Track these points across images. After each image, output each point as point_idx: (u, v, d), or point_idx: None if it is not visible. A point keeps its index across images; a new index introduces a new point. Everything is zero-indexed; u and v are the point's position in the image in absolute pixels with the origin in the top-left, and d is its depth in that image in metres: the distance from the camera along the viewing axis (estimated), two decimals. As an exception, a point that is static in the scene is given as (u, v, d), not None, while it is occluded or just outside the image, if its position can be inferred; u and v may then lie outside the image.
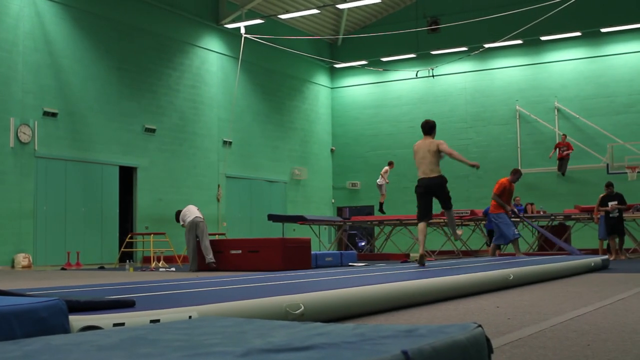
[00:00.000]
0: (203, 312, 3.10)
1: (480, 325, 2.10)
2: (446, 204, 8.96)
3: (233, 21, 21.32)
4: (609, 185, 14.23)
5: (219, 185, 21.15)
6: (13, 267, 15.24)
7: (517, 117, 23.38)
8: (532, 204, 18.84)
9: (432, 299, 5.21)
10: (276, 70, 23.86)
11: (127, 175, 18.40)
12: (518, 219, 14.41)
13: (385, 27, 24.30)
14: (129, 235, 16.02)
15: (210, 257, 11.90)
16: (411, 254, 17.36)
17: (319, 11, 22.39)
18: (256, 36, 20.25)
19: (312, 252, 12.51)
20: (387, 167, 19.26)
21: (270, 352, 1.73)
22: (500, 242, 12.95)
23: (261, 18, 21.59)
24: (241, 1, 21.54)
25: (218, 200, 21.06)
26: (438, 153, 8.62)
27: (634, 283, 7.04)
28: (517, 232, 12.73)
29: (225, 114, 21.33)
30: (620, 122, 21.99)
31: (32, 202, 15.94)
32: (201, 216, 12.34)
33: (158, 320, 2.84)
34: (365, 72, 25.49)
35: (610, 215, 13.90)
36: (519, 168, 22.48)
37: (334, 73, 26.66)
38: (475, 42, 23.11)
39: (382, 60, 24.99)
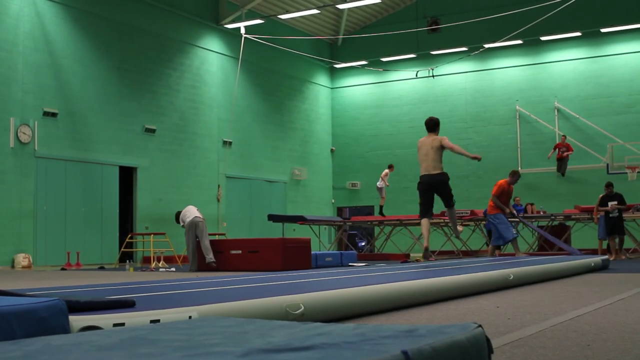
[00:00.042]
0: (203, 312, 3.10)
1: (480, 325, 2.10)
2: (448, 201, 8.95)
3: (233, 21, 21.32)
4: (609, 185, 14.24)
5: (219, 185, 21.15)
6: (13, 267, 15.25)
7: (517, 117, 23.38)
8: (532, 204, 18.85)
9: (432, 299, 5.21)
10: (276, 70, 23.86)
11: (127, 175, 18.40)
12: (517, 220, 14.42)
13: (385, 27, 24.31)
14: (129, 236, 16.02)
15: (210, 256, 11.89)
16: (411, 254, 17.37)
17: (319, 11, 22.40)
18: (256, 36, 20.25)
19: (312, 252, 12.51)
20: (387, 170, 19.27)
21: (271, 352, 1.73)
22: (498, 243, 12.96)
23: (261, 18, 21.59)
24: (241, 1, 21.55)
25: (218, 200, 21.07)
26: (441, 149, 8.63)
27: (634, 283, 7.04)
28: (515, 232, 12.74)
29: (225, 114, 21.33)
30: (620, 122, 21.99)
31: (32, 202, 15.94)
32: (200, 216, 12.33)
33: (158, 321, 2.84)
34: (365, 72, 25.49)
35: (610, 215, 13.90)
36: (518, 169, 22.60)
37: (334, 73, 26.66)
38: (475, 42, 23.11)
39: (382, 60, 25.00)
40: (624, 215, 14.42)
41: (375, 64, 24.86)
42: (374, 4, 23.52)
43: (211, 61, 21.30)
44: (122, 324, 2.73)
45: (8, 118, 15.60)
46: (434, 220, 14.95)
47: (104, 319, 2.73)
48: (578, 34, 22.38)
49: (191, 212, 12.38)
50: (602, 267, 9.97)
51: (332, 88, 26.69)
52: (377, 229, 20.37)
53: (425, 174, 8.73)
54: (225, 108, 21.37)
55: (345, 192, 26.18)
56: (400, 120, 25.15)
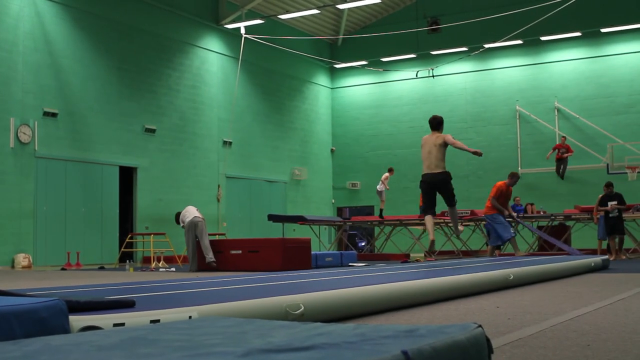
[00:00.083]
0: (203, 312, 3.10)
1: (480, 326, 2.10)
2: (450, 200, 8.94)
3: (233, 21, 21.32)
4: (609, 185, 14.24)
5: (219, 186, 21.15)
6: (13, 267, 15.24)
7: (517, 117, 23.38)
8: (532, 204, 18.84)
9: (433, 299, 5.21)
10: (276, 70, 23.86)
11: (127, 175, 18.40)
12: (516, 221, 14.43)
13: (385, 27, 24.31)
14: (129, 236, 16.02)
15: (210, 256, 11.89)
16: (411, 254, 17.37)
17: (319, 11, 22.40)
18: (256, 36, 20.25)
19: (312, 252, 12.51)
20: (387, 174, 19.30)
21: (271, 352, 1.73)
22: (496, 243, 12.98)
23: (261, 18, 21.59)
24: (241, 1, 21.55)
25: (218, 200, 21.07)
26: (444, 146, 8.62)
27: (634, 283, 7.04)
28: (513, 232, 12.77)
29: (225, 114, 21.33)
30: (620, 122, 21.99)
31: (32, 202, 15.94)
32: (200, 216, 12.33)
33: (158, 321, 2.84)
34: (365, 72, 25.50)
35: (610, 215, 13.89)
36: (519, 169, 22.64)
37: (334, 73, 26.67)
38: (475, 42, 23.11)
39: (382, 61, 25.00)
40: (623, 215, 14.43)
41: (375, 64, 24.86)
42: (374, 4, 23.52)
43: (211, 61, 21.31)
44: (122, 324, 2.73)
45: (8, 118, 15.60)
46: (434, 221, 14.93)
47: (104, 319, 2.73)
48: (578, 34, 22.38)
49: (191, 212, 12.38)
50: (602, 267, 9.97)
51: (332, 88, 26.69)
52: (377, 229, 20.37)
53: (428, 173, 8.71)
54: (226, 108, 21.37)
55: (345, 192, 26.18)
56: (400, 120, 25.16)
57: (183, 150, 19.97)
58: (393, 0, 24.95)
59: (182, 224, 12.42)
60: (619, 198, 14.00)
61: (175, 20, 20.07)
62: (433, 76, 23.21)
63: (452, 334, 1.96)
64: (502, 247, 14.36)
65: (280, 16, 22.15)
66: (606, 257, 10.88)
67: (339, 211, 26.16)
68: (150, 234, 15.15)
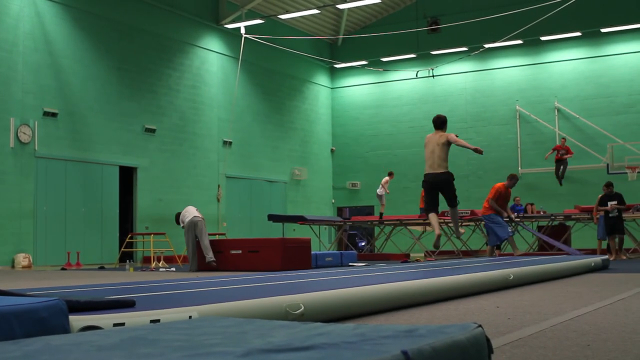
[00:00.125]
0: (203, 312, 3.11)
1: (480, 325, 2.10)
2: (452, 201, 8.93)
3: (233, 21, 21.32)
4: (609, 185, 14.24)
5: (219, 186, 21.15)
6: (13, 267, 15.25)
7: (517, 117, 23.39)
8: (532, 204, 18.84)
9: (432, 299, 5.21)
10: (276, 70, 23.86)
11: (127, 175, 18.40)
12: (515, 222, 14.45)
13: (385, 27, 24.31)
14: (129, 236, 16.02)
15: (210, 256, 11.88)
16: (411, 254, 17.37)
17: (319, 11, 22.39)
18: (256, 36, 20.25)
19: (312, 252, 12.50)
20: (387, 178, 19.29)
21: (271, 352, 1.73)
22: (495, 242, 13.00)
23: (261, 18, 21.59)
24: (241, 1, 21.55)
25: (218, 200, 21.07)
26: (448, 145, 8.60)
27: (634, 283, 7.04)
28: (511, 231, 12.79)
29: (225, 114, 21.33)
30: (620, 122, 22.00)
31: (32, 202, 15.94)
32: (200, 216, 12.32)
33: (158, 320, 2.84)
34: (365, 72, 25.50)
35: (610, 215, 13.89)
36: (518, 169, 22.65)
37: (334, 73, 26.67)
38: (475, 42, 23.12)
39: (382, 61, 25.00)
40: (623, 215, 14.43)
41: (375, 64, 24.87)
42: (374, 4, 23.52)
43: (211, 61, 21.31)
44: (122, 324, 2.73)
45: (8, 118, 15.60)
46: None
47: (104, 319, 2.73)
48: (578, 34, 22.38)
49: (190, 212, 12.38)
50: (602, 267, 9.97)
51: (332, 88, 26.69)
52: (377, 229, 20.37)
53: (430, 173, 8.70)
54: (226, 108, 21.37)
55: (345, 192, 26.19)
56: (400, 120, 25.16)
57: (183, 150, 19.97)
58: (393, 0, 24.95)
59: (182, 224, 12.41)
60: (619, 198, 14.00)
61: (175, 20, 20.07)
62: (433, 76, 23.21)
63: (452, 334, 1.96)
64: (501, 246, 14.37)
65: (280, 16, 22.16)
66: (606, 257, 10.88)
67: (339, 211, 26.16)
68: (150, 234, 15.15)
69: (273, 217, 17.19)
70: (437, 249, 8.94)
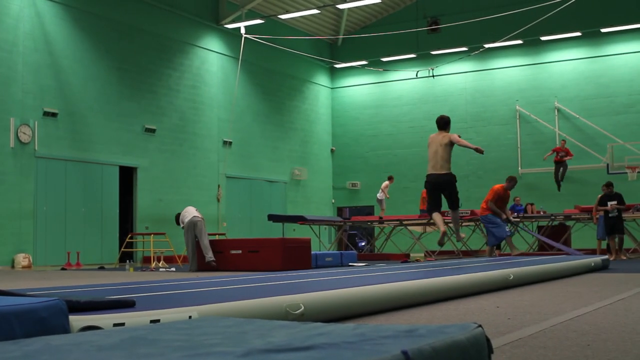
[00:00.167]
0: (203, 312, 3.11)
1: (480, 325, 2.10)
2: (453, 203, 8.94)
3: (233, 21, 21.32)
4: (609, 184, 14.24)
5: (219, 186, 21.15)
6: (13, 267, 15.24)
7: (517, 117, 23.39)
8: (532, 204, 18.83)
9: (432, 299, 5.21)
10: (276, 70, 23.87)
11: (127, 176, 18.40)
12: (513, 224, 14.46)
13: (385, 27, 24.31)
14: (129, 236, 16.02)
15: (209, 255, 11.88)
16: (411, 254, 17.37)
17: (319, 11, 22.39)
18: (256, 36, 20.25)
19: (312, 252, 12.50)
20: (387, 182, 19.27)
21: (271, 352, 1.73)
22: (493, 243, 13.02)
23: (261, 18, 21.59)
24: (241, 1, 21.55)
25: (218, 200, 21.07)
26: (450, 146, 8.61)
27: (634, 283, 7.04)
28: (508, 230, 12.82)
29: (225, 114, 21.33)
30: (620, 122, 22.00)
31: (32, 202, 15.94)
32: (199, 216, 12.32)
33: (158, 321, 2.84)
34: (365, 72, 25.50)
35: (610, 215, 13.89)
36: (518, 171, 22.64)
37: (334, 73, 26.67)
38: (475, 42, 23.12)
39: (382, 60, 25.00)
40: (623, 215, 14.43)
41: (375, 64, 24.87)
42: (374, 4, 23.52)
43: (211, 61, 21.31)
44: (122, 324, 2.73)
45: (8, 118, 15.60)
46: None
47: (104, 319, 2.73)
48: (578, 34, 22.38)
49: (190, 212, 12.38)
50: (602, 267, 9.97)
51: (332, 88, 26.69)
52: (377, 229, 20.37)
53: (433, 173, 8.71)
54: (226, 108, 21.37)
55: (345, 192, 26.18)
56: (400, 120, 25.16)
57: (183, 151, 19.97)
58: (393, 0, 24.95)
59: (181, 225, 12.41)
60: (619, 198, 14.00)
61: (175, 20, 20.07)
62: (433, 76, 23.20)
63: (452, 334, 1.96)
64: (501, 246, 14.37)
65: (280, 16, 22.16)
66: (606, 257, 10.88)
67: (339, 211, 26.16)
68: (150, 234, 15.15)
69: (273, 217, 17.19)
70: (442, 246, 8.94)
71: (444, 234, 8.73)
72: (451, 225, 9.92)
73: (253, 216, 22.20)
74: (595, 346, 3.05)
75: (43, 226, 16.16)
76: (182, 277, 8.32)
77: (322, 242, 19.56)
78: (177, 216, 12.67)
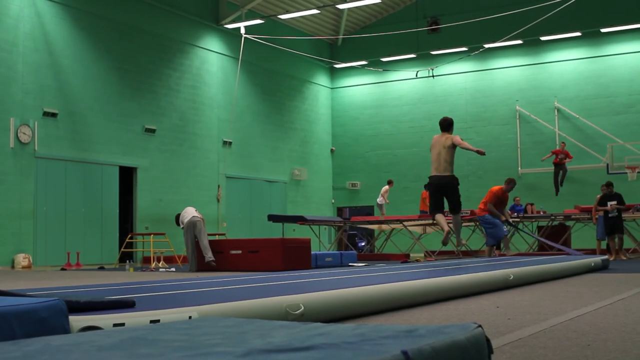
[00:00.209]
0: (203, 312, 3.10)
1: (480, 326, 2.10)
2: (455, 207, 8.98)
3: (233, 21, 21.32)
4: (609, 184, 14.24)
5: (219, 186, 21.15)
6: (13, 267, 15.25)
7: (517, 117, 23.39)
8: (532, 204, 18.82)
9: (432, 299, 5.21)
10: (276, 70, 23.87)
11: (127, 176, 18.40)
12: (511, 226, 14.47)
13: (385, 27, 24.31)
14: (129, 236, 16.02)
15: (209, 255, 11.88)
16: (411, 254, 17.36)
17: (319, 11, 22.40)
18: (256, 36, 20.25)
19: (312, 252, 12.50)
20: (386, 187, 19.24)
21: (271, 352, 1.73)
22: (491, 243, 13.03)
23: (261, 18, 21.60)
24: (241, 1, 21.55)
25: (218, 200, 21.07)
26: (453, 148, 8.63)
27: (634, 283, 7.04)
28: (505, 230, 12.85)
29: (225, 114, 21.33)
30: (620, 122, 22.00)
31: (32, 202, 15.94)
32: (198, 216, 12.32)
33: (158, 321, 2.84)
34: (365, 72, 25.50)
35: (610, 215, 13.89)
36: (518, 171, 22.65)
37: (333, 73, 26.67)
38: (475, 42, 23.12)
39: (382, 61, 25.00)
40: (623, 215, 14.42)
41: (375, 64, 24.87)
42: (374, 4, 23.52)
43: (211, 61, 21.31)
44: (122, 324, 2.73)
45: (8, 118, 15.60)
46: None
47: (104, 319, 2.73)
48: (578, 34, 22.38)
49: (189, 213, 12.39)
50: (602, 267, 9.97)
51: (332, 88, 26.69)
52: (377, 230, 20.35)
53: (435, 175, 8.75)
54: (225, 108, 21.37)
55: (345, 192, 26.18)
56: (400, 120, 25.16)
57: (183, 151, 19.97)
58: (393, 0, 24.95)
59: (181, 225, 12.42)
60: (619, 198, 14.00)
61: (175, 20, 20.07)
62: (433, 76, 23.20)
63: (452, 334, 1.96)
64: (500, 246, 14.37)
65: (280, 16, 22.16)
66: (606, 257, 10.88)
67: (339, 211, 26.16)
68: (150, 234, 15.15)
69: (273, 217, 17.19)
70: (445, 245, 8.96)
71: (448, 233, 8.76)
72: (452, 225, 9.90)
73: (253, 216, 22.20)
74: (595, 346, 3.05)
75: (43, 226, 16.16)
76: (182, 277, 8.32)
77: (322, 242, 19.56)
78: (177, 217, 12.67)
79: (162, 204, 18.90)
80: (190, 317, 2.98)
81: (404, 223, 17.23)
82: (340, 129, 26.36)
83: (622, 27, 21.80)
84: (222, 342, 1.92)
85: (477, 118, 23.95)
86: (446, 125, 8.85)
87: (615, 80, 22.21)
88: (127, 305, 3.04)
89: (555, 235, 16.47)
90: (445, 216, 9.33)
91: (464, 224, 17.38)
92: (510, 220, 14.06)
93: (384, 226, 18.31)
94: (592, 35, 22.37)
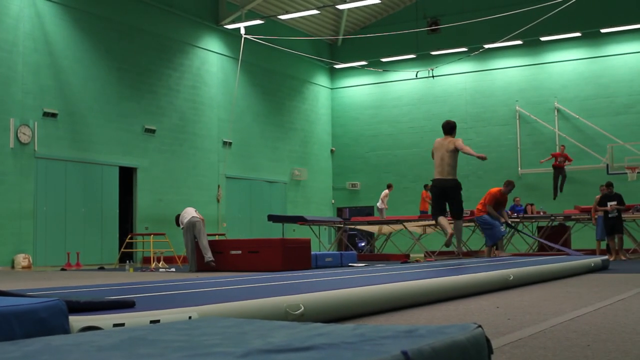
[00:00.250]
0: (203, 312, 3.10)
1: (480, 326, 2.10)
2: (457, 212, 9.02)
3: (233, 22, 21.32)
4: (609, 185, 14.24)
5: (219, 186, 21.15)
6: (13, 267, 15.24)
7: (517, 117, 23.39)
8: (532, 205, 18.82)
9: (432, 299, 5.21)
10: (276, 70, 23.87)
11: (127, 176, 18.40)
12: (511, 227, 14.47)
13: (385, 28, 24.31)
14: (129, 236, 16.02)
15: (209, 256, 11.88)
16: (411, 255, 17.36)
17: (318, 11, 22.40)
18: (256, 37, 20.26)
19: (312, 253, 12.50)
20: (386, 191, 19.22)
21: (271, 352, 1.73)
22: (490, 243, 13.05)
23: (261, 18, 21.60)
24: (241, 2, 21.55)
25: (218, 200, 21.07)
26: (456, 152, 8.66)
27: (634, 283, 7.04)
28: (503, 231, 12.87)
29: (225, 115, 21.33)
30: (620, 123, 22.00)
31: (32, 202, 15.94)
32: (198, 216, 12.32)
33: (158, 321, 2.84)
34: (365, 72, 25.50)
35: (609, 215, 13.89)
36: (518, 171, 22.65)
37: (333, 73, 26.67)
38: (475, 42, 23.12)
39: (382, 61, 25.00)
40: (623, 215, 14.42)
41: (375, 64, 24.87)
42: (374, 4, 23.52)
43: (211, 62, 21.31)
44: (122, 325, 2.73)
45: (8, 118, 15.60)
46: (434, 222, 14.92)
47: (104, 319, 2.73)
48: (578, 34, 22.39)
49: (189, 213, 12.39)
50: (602, 268, 9.97)
51: (332, 88, 26.69)
52: (376, 233, 20.32)
53: (439, 178, 8.81)
54: (225, 108, 21.38)
55: (345, 192, 26.19)
56: (400, 120, 25.16)
57: (183, 151, 19.97)
58: (393, 1, 24.95)
59: (181, 225, 12.42)
60: (619, 198, 14.00)
61: (175, 20, 20.08)
62: (433, 76, 23.21)
63: (451, 334, 1.96)
64: (499, 246, 14.37)
65: (280, 16, 22.16)
66: (606, 257, 10.88)
67: (339, 211, 26.16)
68: (150, 234, 15.15)
69: (273, 218, 17.19)
70: (449, 247, 8.99)
71: (451, 235, 8.78)
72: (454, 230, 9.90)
73: (253, 216, 22.20)
74: (595, 347, 3.05)
75: (43, 226, 16.16)
76: (181, 277, 8.32)
77: (322, 243, 19.56)
78: (177, 217, 12.68)
79: (162, 204, 18.90)
80: (190, 318, 2.98)
81: (404, 223, 17.23)
82: (340, 129, 26.37)
83: (622, 27, 21.80)
84: (222, 343, 1.92)
85: (477, 118, 23.96)
86: (449, 128, 8.86)
87: (615, 81, 22.21)
88: (127, 305, 3.04)
89: (555, 236, 16.46)
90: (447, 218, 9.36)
91: (464, 224, 17.38)
92: (509, 221, 14.07)
93: (384, 229, 18.29)
94: (592, 36, 22.38)
